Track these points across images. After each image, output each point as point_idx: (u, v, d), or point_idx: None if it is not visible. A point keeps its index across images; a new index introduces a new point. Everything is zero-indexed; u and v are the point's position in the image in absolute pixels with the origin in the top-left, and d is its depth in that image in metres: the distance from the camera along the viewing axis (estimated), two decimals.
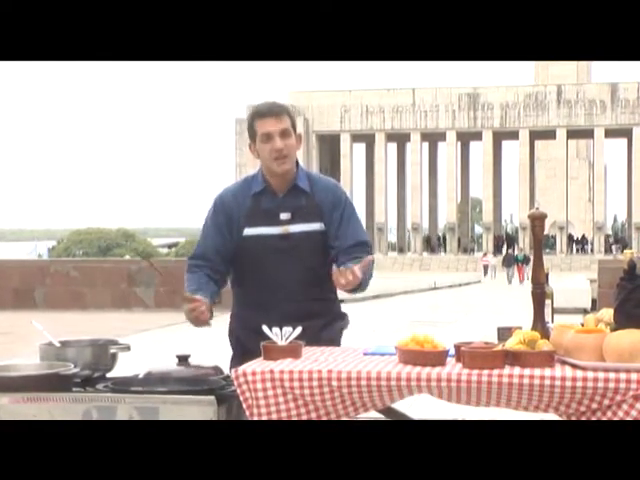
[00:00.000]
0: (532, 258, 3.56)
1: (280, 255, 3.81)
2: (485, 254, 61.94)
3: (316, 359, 3.31)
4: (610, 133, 71.25)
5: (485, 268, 55.76)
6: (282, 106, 3.89)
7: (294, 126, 3.88)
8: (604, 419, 2.94)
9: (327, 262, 3.82)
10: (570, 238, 73.59)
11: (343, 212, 3.91)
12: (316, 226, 3.87)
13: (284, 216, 3.85)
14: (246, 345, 3.79)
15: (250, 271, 3.89)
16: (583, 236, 76.21)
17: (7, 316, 18.31)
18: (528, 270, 50.78)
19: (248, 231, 3.85)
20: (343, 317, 4.02)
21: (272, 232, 3.83)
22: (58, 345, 3.59)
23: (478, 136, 72.47)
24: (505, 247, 68.80)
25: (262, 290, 3.86)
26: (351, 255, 3.80)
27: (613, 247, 70.96)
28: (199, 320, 3.69)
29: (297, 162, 3.93)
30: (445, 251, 74.88)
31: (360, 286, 3.69)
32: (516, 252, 58.61)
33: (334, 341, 3.84)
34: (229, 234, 3.90)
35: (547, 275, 3.50)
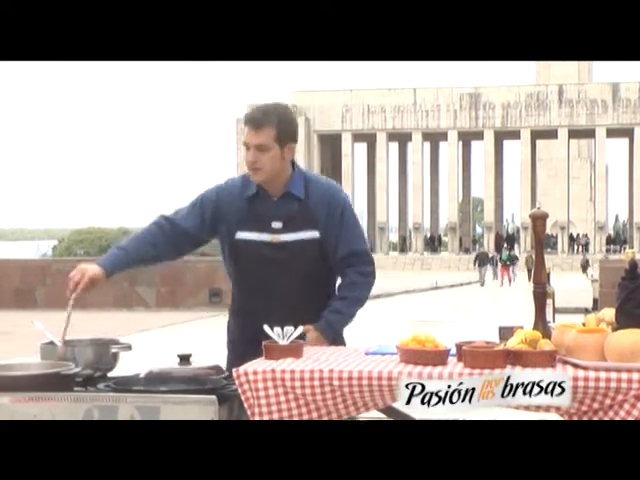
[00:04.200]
0: (534, 258, 3.55)
1: (271, 263, 3.72)
2: None
3: (317, 359, 3.30)
4: (611, 133, 71.24)
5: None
6: (268, 116, 3.67)
7: (284, 137, 3.68)
8: (606, 419, 2.93)
9: (324, 268, 3.79)
10: (571, 238, 73.59)
11: (341, 220, 3.77)
12: (309, 234, 3.75)
13: (276, 225, 3.74)
14: (240, 350, 3.75)
15: (243, 276, 3.82)
16: (585, 235, 76.16)
17: (8, 315, 18.31)
18: (516, 270, 49.14)
19: (240, 235, 3.77)
20: None
21: (263, 239, 3.75)
22: (59, 344, 3.59)
23: (479, 136, 72.46)
24: (482, 248, 68.59)
25: (255, 297, 3.80)
26: (343, 268, 3.76)
27: (610, 247, 71.02)
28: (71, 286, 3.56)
29: (294, 165, 3.81)
30: (444, 250, 74.87)
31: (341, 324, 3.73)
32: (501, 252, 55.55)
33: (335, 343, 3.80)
34: (210, 226, 3.81)
35: (548, 275, 3.50)
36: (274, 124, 3.65)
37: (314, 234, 3.75)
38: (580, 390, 2.94)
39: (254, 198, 3.77)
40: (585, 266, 53.08)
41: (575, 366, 3.03)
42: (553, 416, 3.03)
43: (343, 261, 3.78)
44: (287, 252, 3.73)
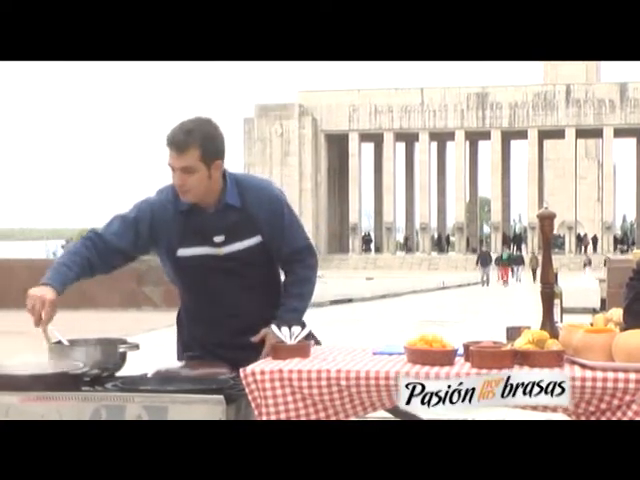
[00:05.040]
0: (541, 258, 3.55)
1: (218, 274, 3.66)
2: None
3: (325, 358, 3.31)
4: (619, 133, 71.11)
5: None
6: (192, 137, 3.51)
7: (209, 155, 3.54)
8: (613, 419, 2.93)
9: (273, 269, 3.79)
10: (579, 238, 73.49)
11: (281, 221, 3.73)
12: (252, 241, 3.70)
13: (218, 239, 3.67)
14: (191, 352, 3.75)
15: (192, 289, 3.78)
16: (594, 236, 76.05)
17: (16, 315, 18.31)
18: (521, 271, 48.62)
19: (182, 252, 3.69)
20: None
21: (207, 252, 3.68)
22: (67, 344, 3.60)
23: (487, 135, 72.39)
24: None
25: (206, 307, 3.76)
26: (290, 263, 3.75)
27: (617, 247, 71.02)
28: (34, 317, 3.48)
29: (225, 174, 3.68)
30: (451, 250, 74.85)
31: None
32: (498, 251, 54.53)
33: None
34: (147, 243, 3.74)
35: (556, 275, 3.49)
36: (197, 144, 3.52)
37: (257, 239, 3.71)
38: (588, 390, 2.93)
39: (189, 213, 3.67)
40: (586, 265, 53.07)
41: (583, 366, 3.03)
42: (561, 416, 3.03)
43: (289, 258, 3.77)
44: (235, 261, 3.69)
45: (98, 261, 3.72)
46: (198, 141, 3.52)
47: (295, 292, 3.77)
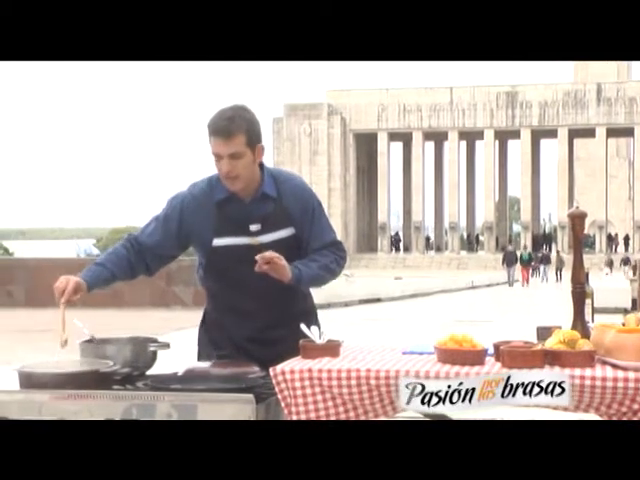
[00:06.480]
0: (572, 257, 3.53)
1: (252, 264, 3.62)
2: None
3: (354, 357, 3.31)
4: None
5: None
6: (236, 123, 3.58)
7: (253, 139, 3.63)
8: None
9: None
10: (609, 237, 72.99)
11: (312, 215, 3.78)
12: (286, 232, 3.73)
13: (254, 227, 3.70)
14: (221, 350, 3.74)
15: (225, 280, 3.79)
16: (626, 235, 75.48)
17: (48, 314, 18.46)
18: (548, 271, 47.99)
19: (217, 242, 3.71)
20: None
21: (242, 242, 3.70)
22: (98, 343, 3.62)
23: (516, 134, 72.07)
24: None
25: (238, 299, 3.77)
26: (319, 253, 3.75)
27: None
28: (57, 294, 3.57)
29: (262, 166, 3.75)
30: (481, 250, 74.56)
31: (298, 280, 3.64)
32: (520, 250, 53.06)
33: None
34: (177, 241, 3.78)
35: (587, 274, 3.47)
36: (243, 130, 3.59)
37: (290, 231, 3.75)
38: (620, 391, 2.91)
39: (225, 202, 3.71)
40: (610, 264, 52.80)
41: (614, 367, 3.01)
42: (593, 416, 3.01)
43: (315, 253, 3.77)
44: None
45: (136, 262, 3.78)
46: (244, 126, 3.59)
47: (312, 258, 3.75)
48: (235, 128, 3.58)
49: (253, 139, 3.63)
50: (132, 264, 3.78)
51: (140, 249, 3.78)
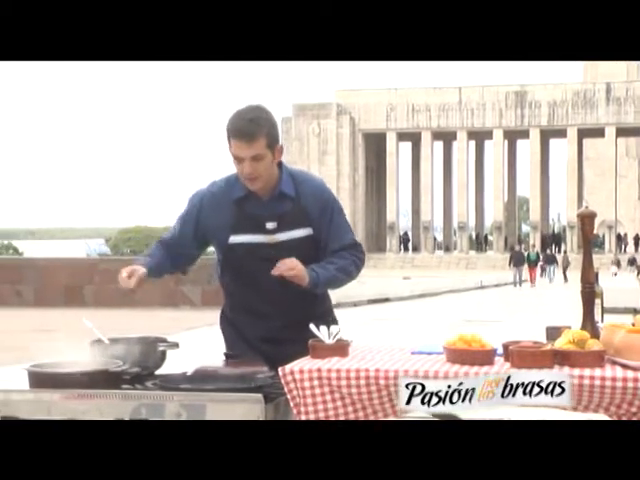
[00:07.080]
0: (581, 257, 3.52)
1: (269, 263, 3.65)
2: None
3: (363, 357, 3.31)
4: None
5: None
6: (258, 126, 3.59)
7: (273, 141, 3.64)
8: None
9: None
10: (619, 237, 72.81)
11: (331, 216, 3.79)
12: (303, 232, 3.75)
13: (270, 225, 3.72)
14: (235, 350, 3.80)
15: (241, 279, 3.82)
16: (636, 235, 75.28)
17: (57, 313, 18.52)
18: (554, 271, 47.79)
19: (234, 239, 3.74)
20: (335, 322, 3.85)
21: (259, 240, 3.73)
22: (107, 342, 3.63)
23: (525, 134, 71.88)
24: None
25: (254, 298, 3.80)
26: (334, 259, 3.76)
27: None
28: (124, 282, 3.67)
29: (280, 165, 3.77)
30: (489, 249, 74.46)
31: (315, 285, 3.67)
32: (525, 250, 52.88)
33: None
34: (194, 238, 3.84)
35: (596, 274, 3.46)
36: (264, 132, 3.61)
37: (308, 231, 3.76)
38: (630, 391, 2.90)
39: (243, 200, 3.75)
40: (617, 264, 52.65)
41: (624, 367, 3.00)
42: (602, 416, 3.00)
43: (333, 255, 3.78)
44: (283, 251, 3.71)
45: (168, 262, 3.89)
46: (265, 129, 3.62)
47: (329, 260, 3.77)
48: (257, 131, 3.59)
49: (272, 141, 3.65)
50: (170, 261, 3.88)
51: (168, 249, 3.87)
